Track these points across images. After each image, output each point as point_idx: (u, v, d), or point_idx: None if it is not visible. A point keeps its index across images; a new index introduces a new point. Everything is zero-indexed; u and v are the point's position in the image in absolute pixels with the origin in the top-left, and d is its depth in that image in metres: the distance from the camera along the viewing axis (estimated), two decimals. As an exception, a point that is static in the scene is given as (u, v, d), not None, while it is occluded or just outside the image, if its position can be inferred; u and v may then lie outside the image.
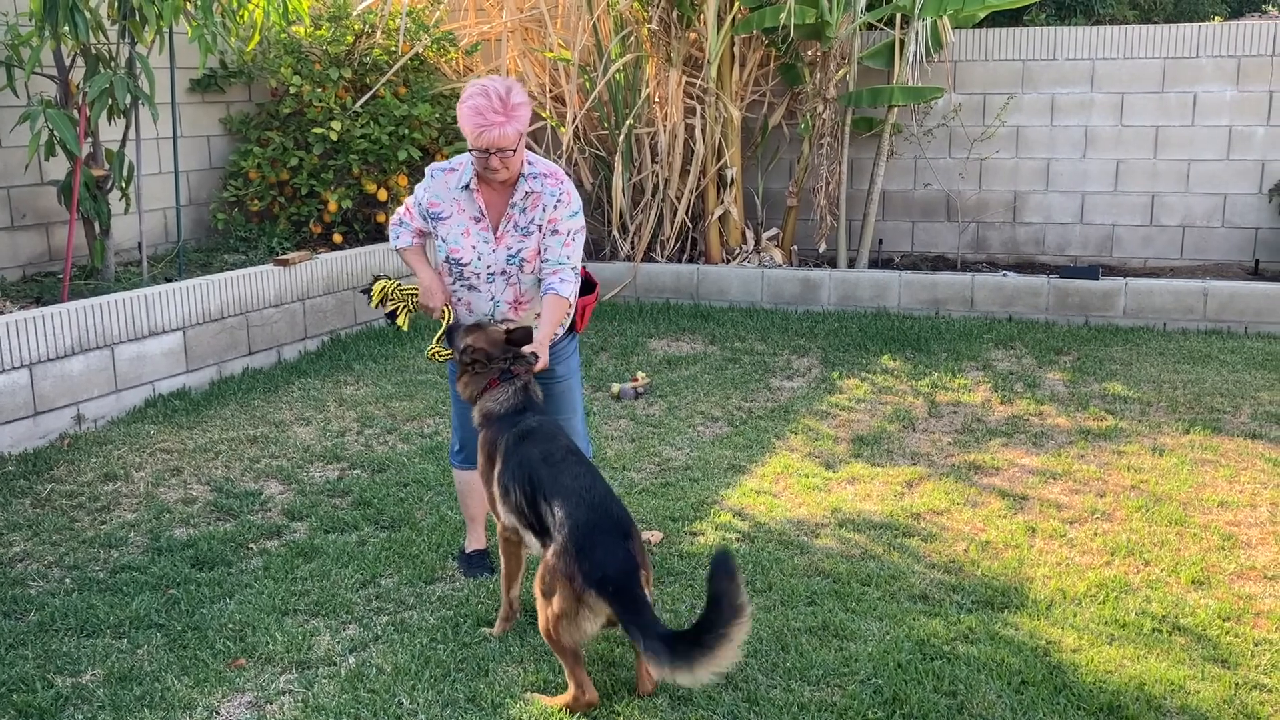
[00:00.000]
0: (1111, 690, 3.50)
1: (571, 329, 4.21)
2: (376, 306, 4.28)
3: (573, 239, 3.97)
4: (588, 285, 4.28)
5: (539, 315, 4.01)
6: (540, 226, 3.95)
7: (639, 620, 3.14)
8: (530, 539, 3.61)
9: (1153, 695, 3.48)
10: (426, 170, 4.12)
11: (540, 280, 3.99)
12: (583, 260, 4.10)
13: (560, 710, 3.37)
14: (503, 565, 3.88)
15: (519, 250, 3.97)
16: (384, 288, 4.22)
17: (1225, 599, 4.12)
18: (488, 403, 3.77)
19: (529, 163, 3.95)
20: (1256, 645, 3.80)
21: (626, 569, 3.25)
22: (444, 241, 4.03)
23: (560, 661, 3.39)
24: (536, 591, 3.40)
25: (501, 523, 3.77)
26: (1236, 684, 3.56)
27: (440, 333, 4.08)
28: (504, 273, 3.99)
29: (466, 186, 3.97)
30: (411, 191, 4.31)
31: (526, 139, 4.00)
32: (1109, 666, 3.65)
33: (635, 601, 3.19)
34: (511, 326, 3.86)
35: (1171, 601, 4.10)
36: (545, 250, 3.96)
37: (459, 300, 4.09)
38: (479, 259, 3.99)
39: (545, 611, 3.35)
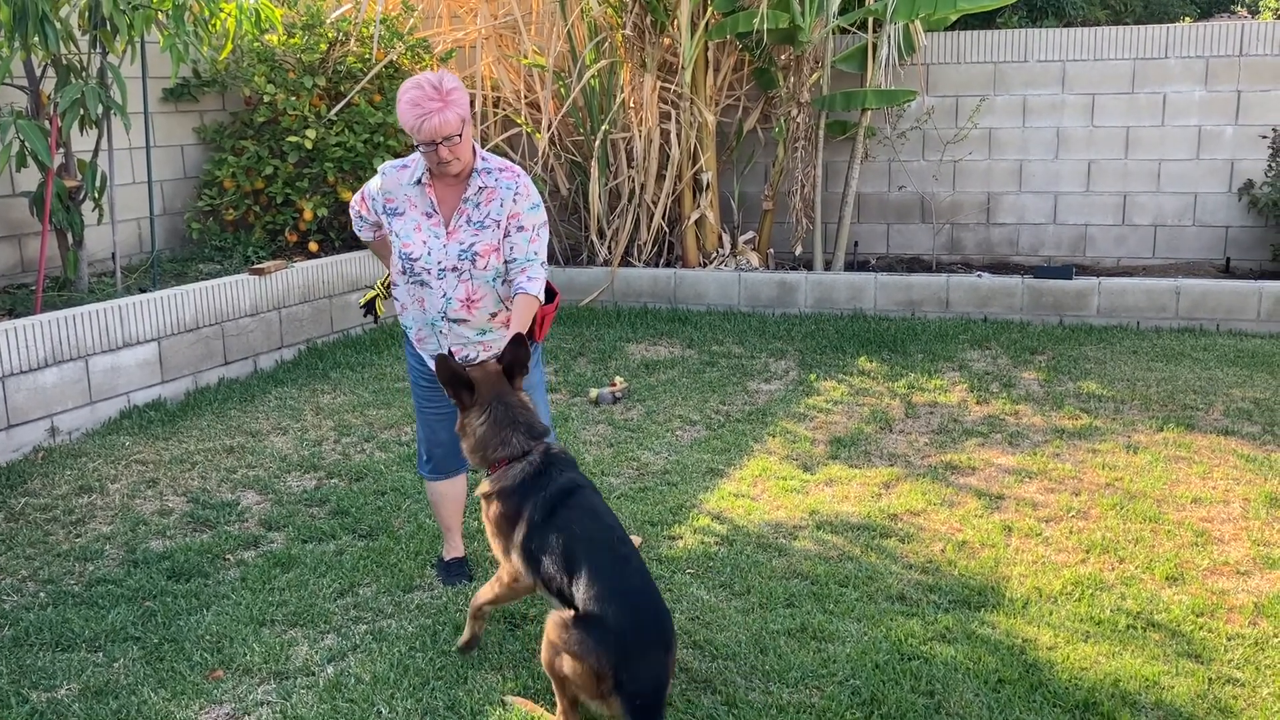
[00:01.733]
0: (1087, 687, 3.53)
1: (531, 338, 4.08)
2: (363, 305, 4.31)
3: (538, 234, 3.95)
4: (548, 294, 4.18)
5: (492, 315, 3.99)
6: (498, 222, 3.91)
7: None
8: (553, 600, 3.40)
9: (1128, 691, 3.51)
10: (379, 168, 4.09)
11: (498, 280, 3.95)
12: (547, 270, 4.04)
13: (539, 718, 3.36)
14: (494, 592, 3.63)
15: (471, 245, 3.91)
16: (375, 293, 4.28)
17: (1199, 595, 4.16)
18: (501, 481, 3.50)
19: (482, 158, 3.94)
20: (1229, 640, 3.84)
21: (659, 690, 3.16)
22: (397, 236, 3.99)
23: (556, 692, 3.30)
24: (554, 635, 3.23)
25: (515, 576, 3.52)
26: (1210, 679, 3.59)
27: (379, 283, 4.18)
28: (455, 269, 3.92)
29: (419, 182, 3.95)
30: None
31: (503, 144, 4.01)
32: (1084, 663, 3.68)
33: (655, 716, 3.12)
34: (499, 357, 3.65)
35: (1146, 598, 4.14)
36: (511, 249, 3.92)
37: (413, 298, 4.04)
38: (429, 254, 3.93)
39: (556, 661, 3.22)
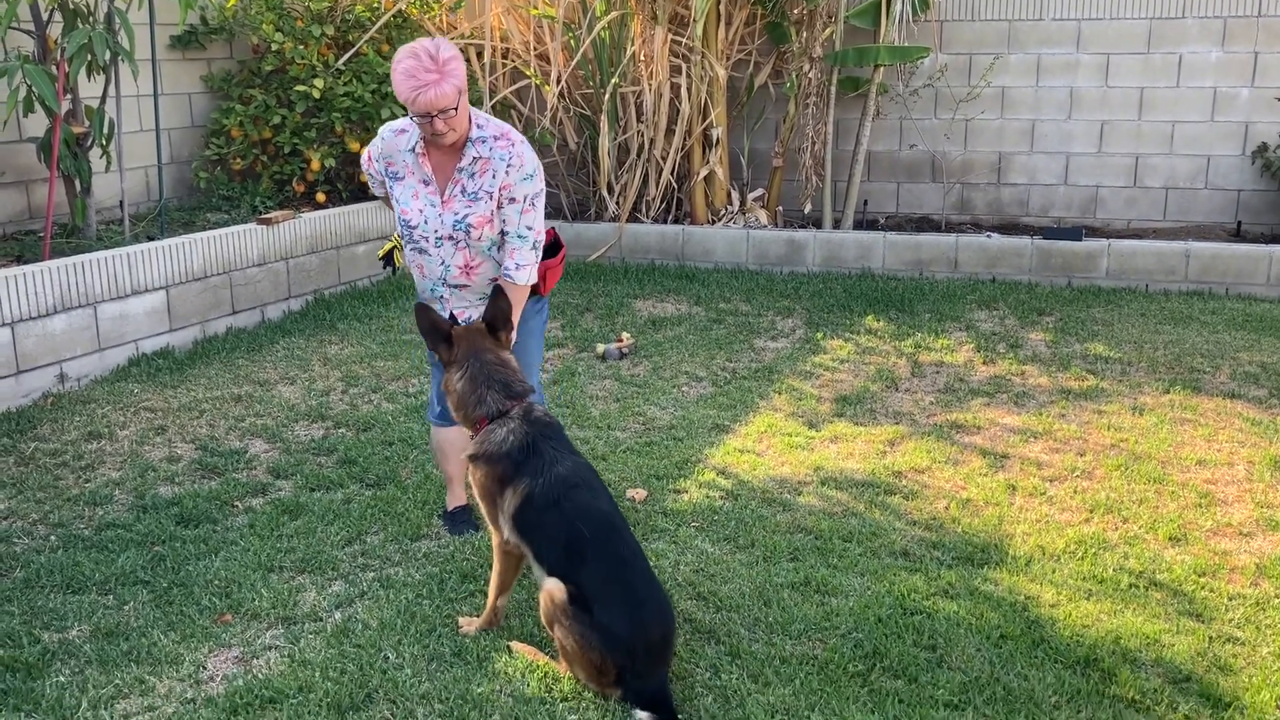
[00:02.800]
0: (1088, 644, 3.55)
1: (535, 292, 4.11)
2: (381, 256, 4.27)
3: (531, 205, 3.86)
4: (554, 248, 4.19)
5: (493, 280, 3.96)
6: (491, 194, 3.85)
7: None
8: (538, 569, 3.37)
9: (1129, 648, 3.54)
10: (380, 131, 4.04)
11: (495, 249, 3.92)
12: (554, 224, 4.01)
13: (544, 665, 3.40)
14: (495, 573, 3.58)
15: (465, 216, 3.87)
16: (393, 244, 4.25)
17: (1201, 555, 4.18)
18: (485, 445, 3.42)
19: (478, 125, 3.83)
20: (1230, 600, 3.86)
21: (663, 682, 3.18)
22: (397, 201, 3.99)
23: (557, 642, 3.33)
24: (554, 614, 3.21)
25: (503, 539, 3.48)
26: (1210, 637, 3.62)
27: (396, 234, 4.12)
28: (451, 238, 3.91)
29: (414, 149, 3.90)
30: None
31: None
32: (1086, 621, 3.70)
33: (663, 706, 3.13)
34: (484, 314, 3.62)
35: (1149, 558, 4.16)
36: (504, 222, 3.86)
37: (412, 264, 4.03)
38: (425, 223, 3.92)
39: (556, 633, 3.23)
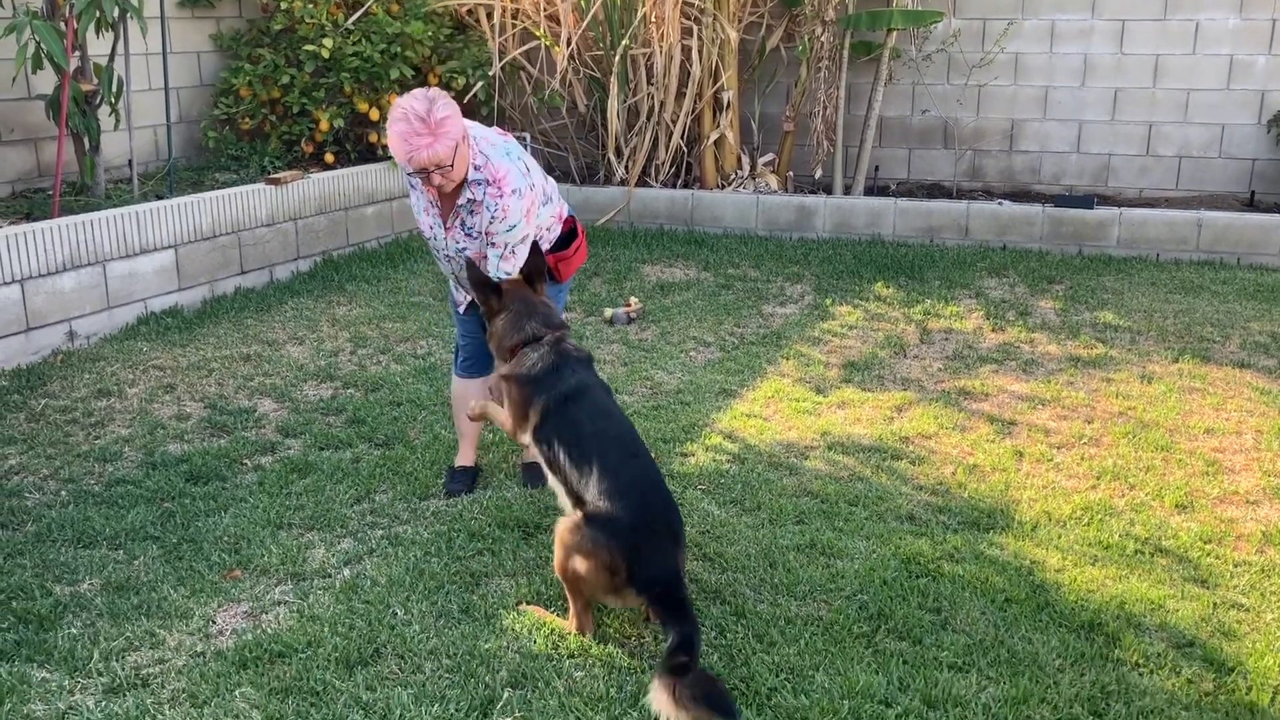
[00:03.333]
0: (1093, 609, 3.57)
1: (553, 279, 4.20)
2: None
3: (512, 252, 3.89)
4: (568, 239, 4.23)
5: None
6: (483, 235, 3.93)
7: (681, 628, 3.05)
8: (559, 490, 3.49)
9: (1133, 613, 3.55)
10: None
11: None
12: (563, 188, 4.07)
13: (551, 623, 3.42)
14: (500, 422, 3.75)
15: (465, 249, 4.00)
16: None
17: (1207, 522, 4.18)
18: (517, 367, 3.62)
19: (475, 167, 3.81)
20: (1236, 567, 3.87)
21: (674, 580, 3.21)
22: (413, 207, 4.11)
23: (569, 597, 3.38)
24: (565, 537, 3.30)
25: (521, 439, 3.68)
26: (1215, 603, 3.63)
27: None
28: (459, 256, 4.05)
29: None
30: None
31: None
32: (1091, 586, 3.72)
33: (680, 605, 3.15)
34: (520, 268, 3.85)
35: (1155, 524, 4.16)
36: (486, 259, 3.94)
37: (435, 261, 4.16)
38: (435, 239, 4.08)
39: (568, 563, 3.28)
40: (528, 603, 3.57)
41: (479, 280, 3.77)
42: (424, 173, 3.69)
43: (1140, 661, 3.30)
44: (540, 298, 3.78)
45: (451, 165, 3.69)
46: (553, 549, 3.37)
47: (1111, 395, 5.45)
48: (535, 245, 3.81)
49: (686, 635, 3.02)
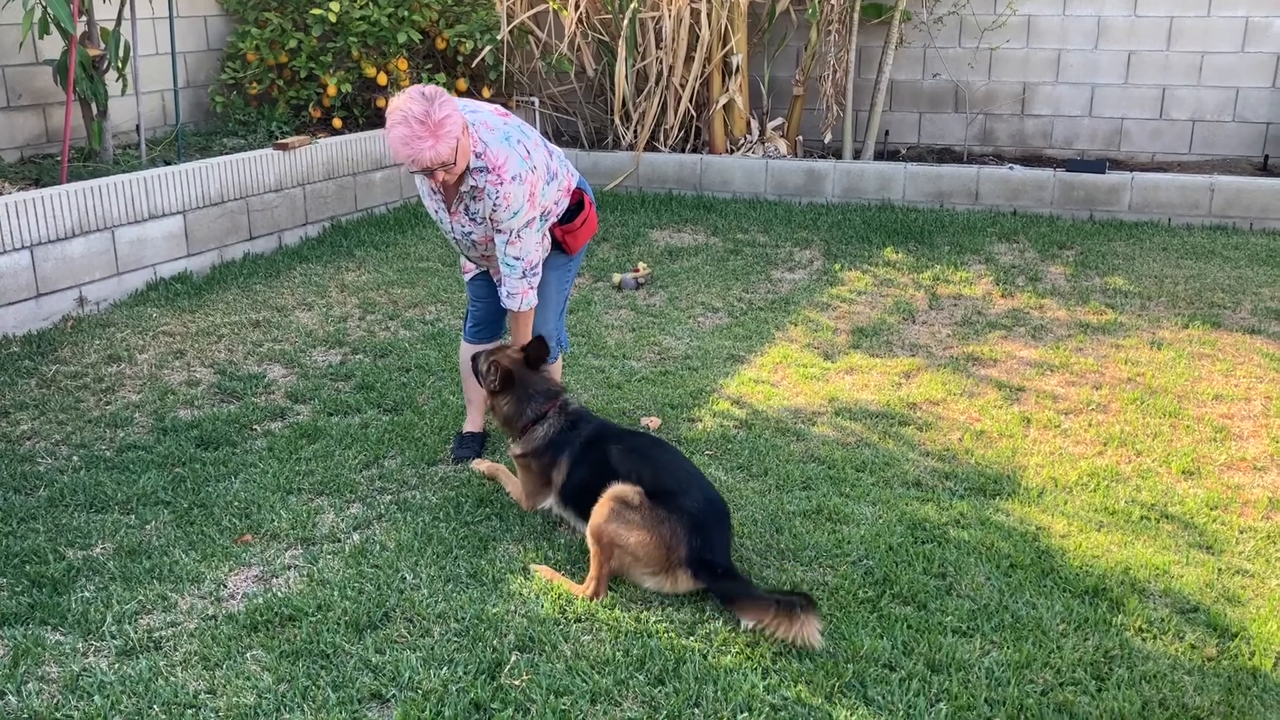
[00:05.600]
0: (1098, 574, 3.58)
1: (565, 250, 4.25)
2: None
3: (518, 237, 3.92)
4: (575, 210, 4.23)
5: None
6: (487, 220, 3.95)
7: (748, 591, 3.28)
8: (580, 525, 3.69)
9: (1138, 579, 3.57)
10: None
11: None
12: (570, 153, 4.11)
13: (560, 587, 3.45)
14: (514, 492, 4.03)
15: (470, 233, 4.02)
16: None
17: (1214, 488, 4.19)
18: (530, 442, 3.85)
19: (476, 154, 3.80)
20: (1241, 533, 3.88)
21: (728, 561, 3.39)
22: (419, 189, 4.13)
23: (595, 561, 3.42)
24: (621, 508, 3.39)
25: (535, 509, 3.93)
26: (1219, 569, 3.64)
27: None
28: (463, 240, 4.09)
29: None
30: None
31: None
32: (1096, 552, 3.73)
33: (738, 576, 3.35)
34: (523, 346, 3.98)
35: (1161, 490, 4.17)
36: (494, 245, 3.99)
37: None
38: (441, 222, 4.10)
39: (614, 530, 3.36)
40: (536, 563, 3.59)
41: (478, 373, 4.02)
42: (428, 172, 3.71)
43: (1144, 626, 3.32)
44: (535, 374, 3.94)
45: (454, 161, 3.70)
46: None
47: (1120, 361, 5.44)
48: (540, 340, 3.95)
49: (756, 589, 3.27)
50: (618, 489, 3.43)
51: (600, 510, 3.42)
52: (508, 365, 3.91)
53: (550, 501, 3.86)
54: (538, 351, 3.94)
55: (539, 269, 4.05)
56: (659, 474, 3.51)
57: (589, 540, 3.44)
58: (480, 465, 4.21)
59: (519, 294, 4.01)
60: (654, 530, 3.35)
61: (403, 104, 3.61)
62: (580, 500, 3.62)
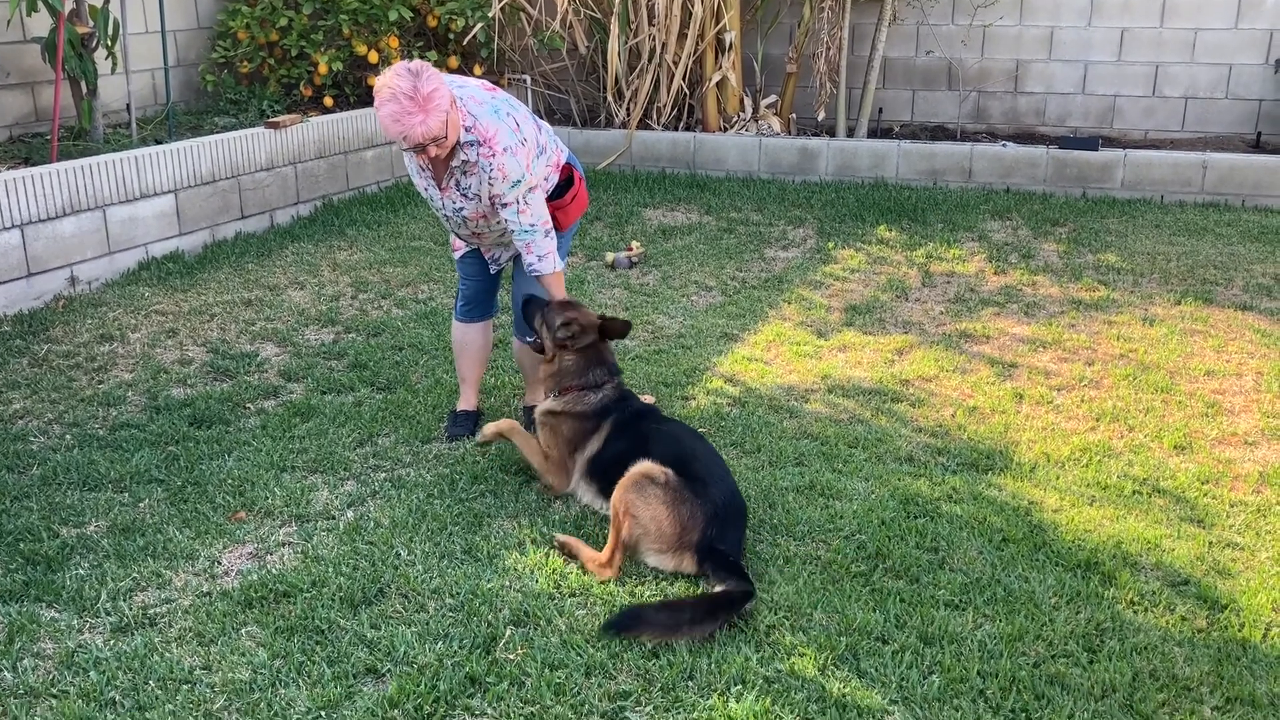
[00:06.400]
0: (1090, 548, 3.60)
1: (557, 227, 4.20)
2: None
3: (526, 203, 3.89)
4: (565, 186, 4.21)
5: (502, 234, 4.12)
6: (480, 196, 3.91)
7: (742, 584, 3.24)
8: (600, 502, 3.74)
9: (1129, 553, 3.59)
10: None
11: (498, 225, 4.05)
12: (562, 131, 4.09)
13: (557, 558, 3.46)
14: (535, 464, 3.99)
15: (461, 209, 4.00)
16: None
17: (1205, 463, 4.20)
18: (576, 403, 3.86)
19: (466, 128, 3.78)
20: (1232, 507, 3.90)
21: (739, 555, 3.41)
22: (408, 166, 4.10)
23: (614, 530, 3.43)
24: (647, 483, 3.41)
25: (562, 486, 3.90)
26: (1210, 542, 3.66)
27: None
28: (454, 217, 4.06)
29: None
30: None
31: (480, 94, 3.87)
32: (1088, 526, 3.75)
33: (740, 569, 3.32)
34: (605, 317, 3.99)
35: (1153, 465, 4.19)
36: (505, 223, 3.95)
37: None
38: (431, 200, 4.08)
39: (638, 500, 3.38)
40: (561, 533, 3.62)
41: (541, 319, 3.96)
42: (420, 148, 3.69)
43: (1135, 599, 3.34)
44: (607, 346, 3.97)
45: (445, 135, 3.68)
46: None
47: (1113, 338, 5.46)
48: (628, 323, 4.01)
49: (746, 589, 3.21)
50: (646, 465, 3.47)
51: (625, 480, 3.45)
52: (592, 325, 3.93)
53: (574, 478, 3.85)
54: (619, 328, 3.99)
55: (553, 232, 4.00)
56: (692, 463, 3.52)
57: (610, 510, 3.46)
58: (490, 428, 4.09)
59: (547, 253, 3.95)
60: (673, 508, 3.38)
61: (390, 80, 3.59)
62: (608, 474, 3.61)
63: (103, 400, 4.69)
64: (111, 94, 7.44)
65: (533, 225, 3.92)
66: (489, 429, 4.09)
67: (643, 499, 3.39)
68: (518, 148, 3.83)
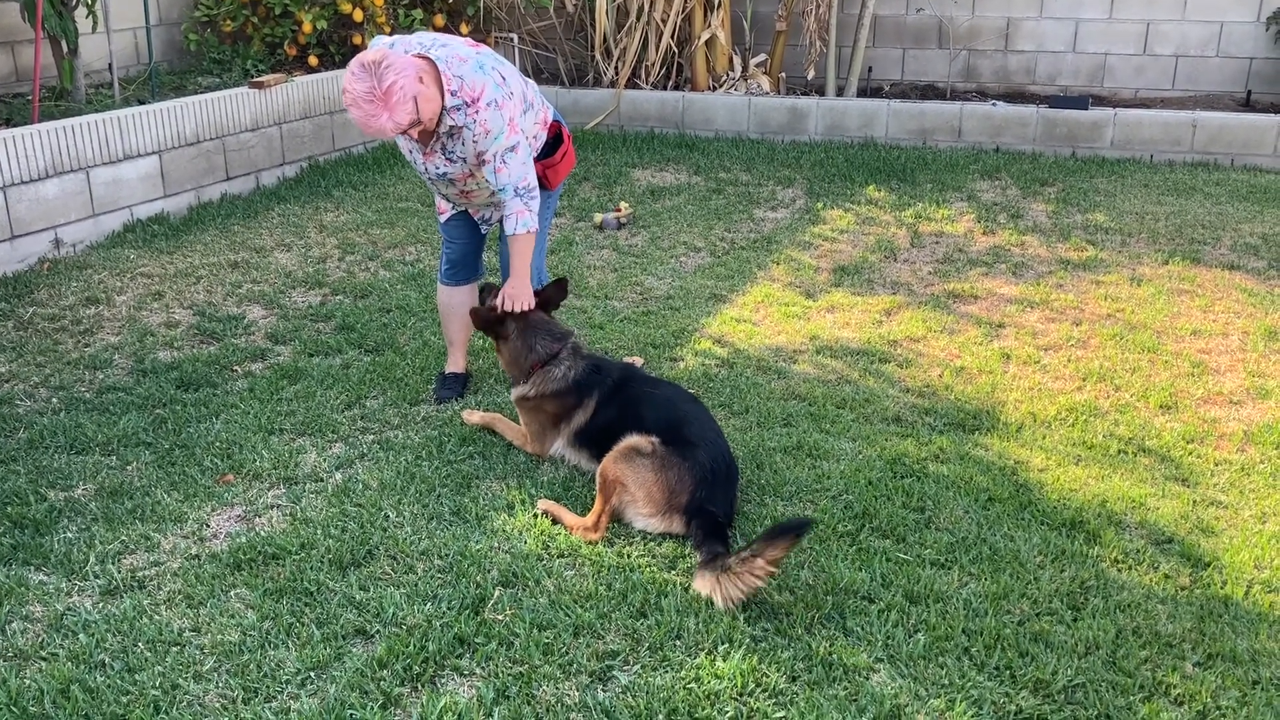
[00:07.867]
0: (1075, 507, 3.62)
1: (545, 185, 4.19)
2: None
3: (504, 161, 3.85)
4: (554, 144, 4.19)
5: (492, 194, 4.04)
6: (466, 158, 3.90)
7: (715, 547, 3.22)
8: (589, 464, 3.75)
9: (1114, 511, 3.61)
10: None
11: (485, 185, 4.02)
12: (550, 90, 4.05)
13: (546, 520, 3.47)
14: (513, 439, 4.01)
15: (446, 172, 3.99)
16: None
17: (1191, 422, 4.23)
18: (546, 384, 3.83)
19: (452, 93, 3.73)
20: (1217, 465, 3.93)
21: (728, 517, 3.42)
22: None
23: (601, 497, 3.45)
24: (633, 453, 3.44)
25: (540, 454, 3.92)
26: (1195, 500, 3.69)
27: None
28: (439, 181, 4.05)
29: None
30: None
31: (463, 51, 3.81)
32: (1074, 485, 3.77)
33: (723, 534, 3.31)
34: (544, 286, 4.02)
35: (1139, 425, 4.21)
36: (487, 181, 3.94)
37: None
38: (415, 163, 4.06)
39: (626, 467, 3.41)
40: (548, 499, 3.63)
41: (484, 323, 3.96)
42: (403, 133, 3.70)
43: (1119, 558, 3.36)
44: (541, 314, 3.95)
45: (419, 119, 3.64)
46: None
47: (1100, 297, 5.46)
48: (562, 280, 4.05)
49: (721, 549, 3.20)
50: (635, 439, 3.48)
51: (614, 453, 3.48)
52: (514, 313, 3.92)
53: (559, 444, 3.86)
54: (554, 294, 3.97)
55: (536, 193, 3.96)
56: (682, 426, 3.54)
57: (598, 477, 3.48)
58: (472, 417, 4.15)
59: (514, 213, 3.92)
60: (661, 474, 3.40)
61: (349, 85, 3.56)
62: (600, 441, 3.63)
63: (89, 363, 4.67)
64: (93, 53, 7.35)
65: (508, 182, 3.89)
66: (471, 419, 4.14)
67: (632, 469, 3.42)
68: (504, 100, 3.79)
